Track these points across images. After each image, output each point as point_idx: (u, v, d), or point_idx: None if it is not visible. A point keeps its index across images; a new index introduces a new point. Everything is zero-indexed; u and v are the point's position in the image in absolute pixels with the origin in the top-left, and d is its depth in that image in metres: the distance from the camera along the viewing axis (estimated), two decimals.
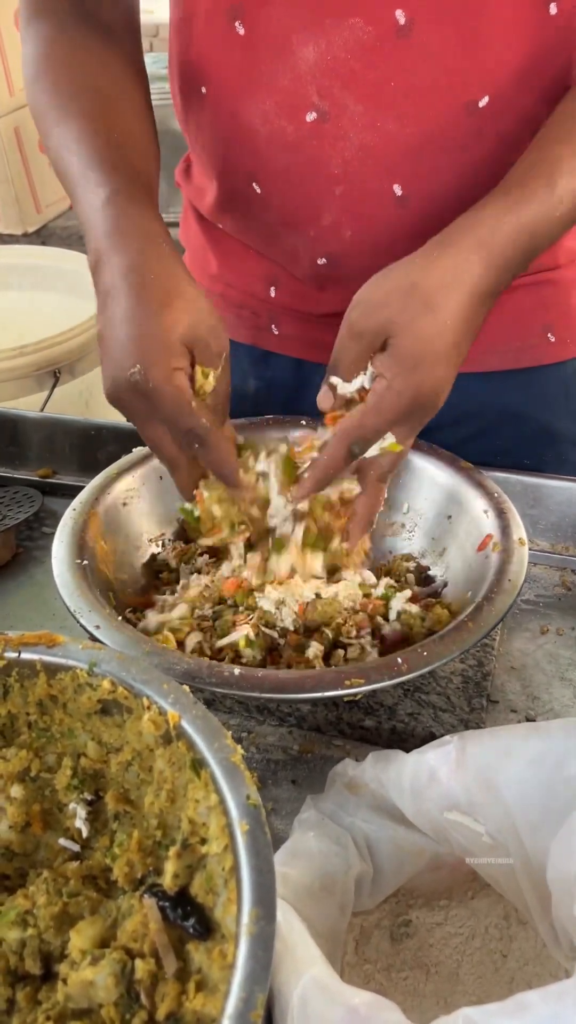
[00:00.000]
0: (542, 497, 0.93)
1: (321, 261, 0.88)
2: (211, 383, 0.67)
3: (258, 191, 0.86)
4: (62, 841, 0.51)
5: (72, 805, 0.52)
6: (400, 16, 0.72)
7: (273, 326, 0.99)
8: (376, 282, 0.68)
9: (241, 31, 0.76)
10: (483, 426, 0.98)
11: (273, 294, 0.96)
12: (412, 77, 0.74)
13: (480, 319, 0.68)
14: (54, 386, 1.37)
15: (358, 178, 0.80)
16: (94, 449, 1.05)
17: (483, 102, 0.76)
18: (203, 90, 0.83)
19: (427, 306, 0.64)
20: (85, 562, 0.72)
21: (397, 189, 0.80)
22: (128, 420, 0.68)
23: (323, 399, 0.71)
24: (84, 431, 1.05)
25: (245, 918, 0.38)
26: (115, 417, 1.60)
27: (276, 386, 1.03)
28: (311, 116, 0.78)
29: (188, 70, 0.84)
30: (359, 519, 0.75)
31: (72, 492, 0.93)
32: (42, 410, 1.31)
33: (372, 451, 0.70)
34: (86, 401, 1.47)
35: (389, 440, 0.71)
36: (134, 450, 0.86)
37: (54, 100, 0.76)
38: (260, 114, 0.80)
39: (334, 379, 0.70)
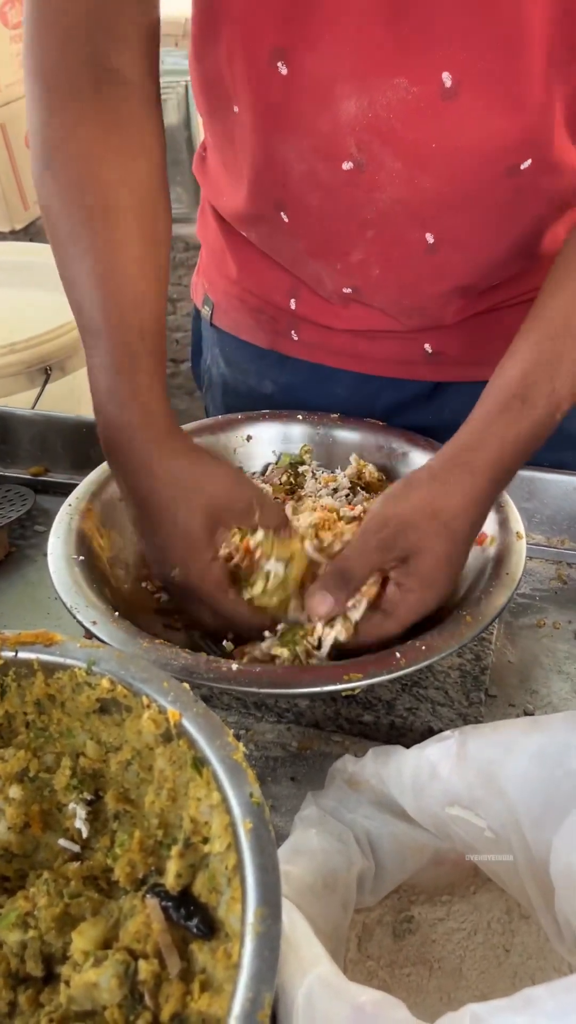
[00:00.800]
0: (537, 491, 0.93)
1: (347, 290, 0.88)
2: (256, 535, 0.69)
3: (285, 220, 0.84)
4: (62, 842, 0.51)
5: (71, 805, 0.51)
6: (447, 79, 0.70)
7: (293, 332, 0.98)
8: (401, 499, 0.69)
9: (284, 72, 0.73)
10: None
11: (294, 306, 0.95)
12: (454, 140, 0.73)
13: (477, 529, 0.71)
14: (45, 383, 1.36)
15: (390, 225, 0.80)
16: (86, 446, 1.04)
17: (525, 165, 0.74)
18: (235, 109, 0.80)
19: (448, 531, 0.67)
20: (81, 558, 0.72)
21: (429, 238, 0.80)
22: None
23: (320, 606, 0.68)
24: (76, 428, 1.05)
25: (251, 917, 0.38)
26: None
27: (293, 388, 1.02)
28: (347, 165, 0.76)
29: (218, 88, 0.80)
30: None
31: (65, 490, 0.92)
32: (33, 407, 1.31)
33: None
34: (78, 398, 1.46)
35: None
36: None
37: (65, 211, 0.69)
38: (296, 152, 0.78)
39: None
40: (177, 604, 0.77)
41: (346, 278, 0.87)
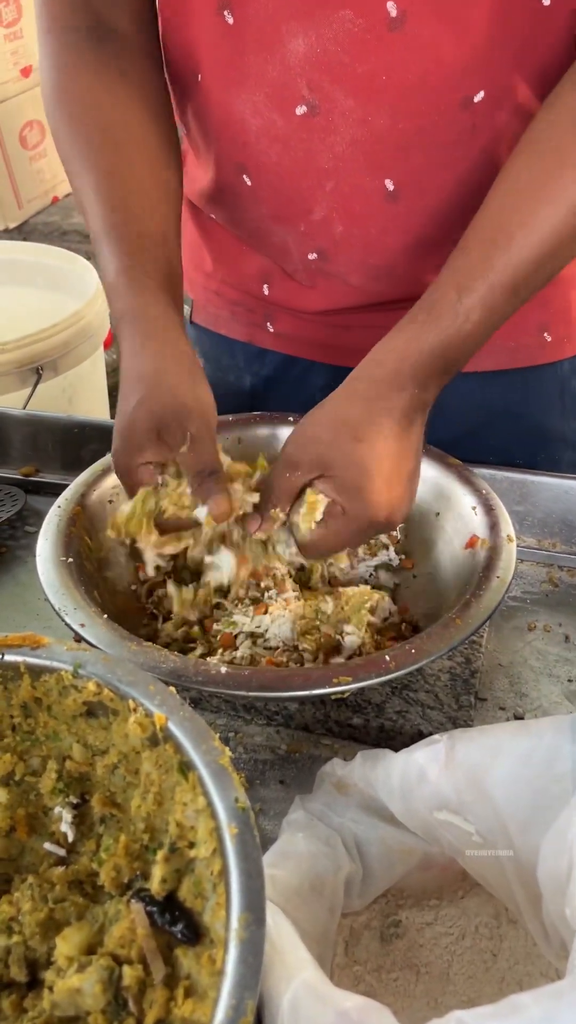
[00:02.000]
0: (529, 493, 0.92)
1: (312, 256, 0.87)
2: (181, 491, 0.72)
3: (248, 183, 0.85)
4: (47, 846, 0.51)
5: (57, 809, 0.51)
6: (392, 8, 0.70)
7: (268, 323, 0.99)
8: (309, 419, 0.72)
9: (230, 20, 0.74)
10: (477, 425, 0.98)
11: (267, 292, 0.96)
12: (404, 71, 0.73)
13: (416, 432, 0.72)
14: (36, 383, 1.35)
15: (349, 173, 0.79)
16: (78, 447, 1.03)
17: (478, 97, 0.74)
18: (199, 77, 0.81)
19: (355, 439, 0.68)
20: (70, 560, 0.72)
21: (388, 184, 0.79)
22: None
23: (251, 523, 0.74)
24: (67, 429, 1.04)
25: (235, 923, 0.38)
26: (99, 414, 1.58)
27: (271, 383, 1.03)
28: (301, 109, 0.76)
29: (180, 57, 0.82)
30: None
31: (56, 490, 0.92)
32: (24, 408, 1.30)
33: None
34: (69, 398, 1.46)
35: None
36: None
37: (73, 144, 0.79)
38: (250, 106, 0.78)
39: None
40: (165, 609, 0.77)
41: (310, 240, 0.86)
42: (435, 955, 0.57)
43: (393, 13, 0.70)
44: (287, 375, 1.01)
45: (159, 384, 0.70)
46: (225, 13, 0.74)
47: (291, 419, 0.92)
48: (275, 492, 0.72)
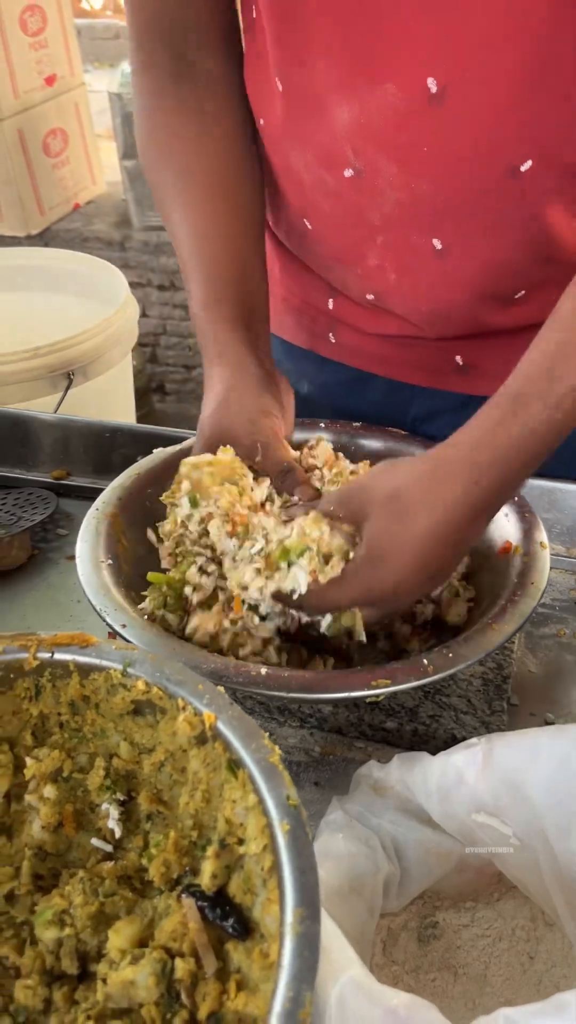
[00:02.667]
0: (557, 501, 0.93)
1: (369, 296, 0.89)
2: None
3: (309, 227, 0.87)
4: (94, 841, 0.51)
5: (104, 805, 0.52)
6: (432, 84, 0.70)
7: (331, 334, 1.00)
8: (377, 471, 0.69)
9: (280, 88, 0.77)
10: None
11: (331, 306, 0.97)
12: (446, 143, 0.73)
13: (473, 532, 0.66)
14: (68, 388, 1.37)
15: (397, 230, 0.80)
16: (108, 451, 1.05)
17: (525, 166, 0.73)
18: (261, 122, 0.84)
19: (402, 516, 0.64)
20: (109, 561, 0.72)
21: (436, 243, 0.80)
22: None
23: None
24: (98, 433, 1.06)
25: (290, 917, 0.38)
26: (127, 419, 1.60)
27: (328, 390, 1.03)
28: (348, 172, 0.78)
29: (248, 101, 0.86)
30: None
31: (87, 493, 0.93)
32: (56, 412, 1.31)
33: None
34: (99, 403, 1.47)
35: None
36: (155, 451, 0.86)
37: (163, 174, 0.84)
38: (302, 162, 0.81)
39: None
40: None
41: (367, 283, 0.88)
42: (472, 957, 0.58)
43: (433, 89, 0.70)
44: (344, 383, 1.02)
45: (225, 402, 0.74)
46: (276, 80, 0.77)
47: (322, 424, 0.93)
48: (320, 504, 0.69)
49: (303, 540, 0.67)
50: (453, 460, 0.64)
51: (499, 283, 0.83)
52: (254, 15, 0.80)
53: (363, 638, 0.68)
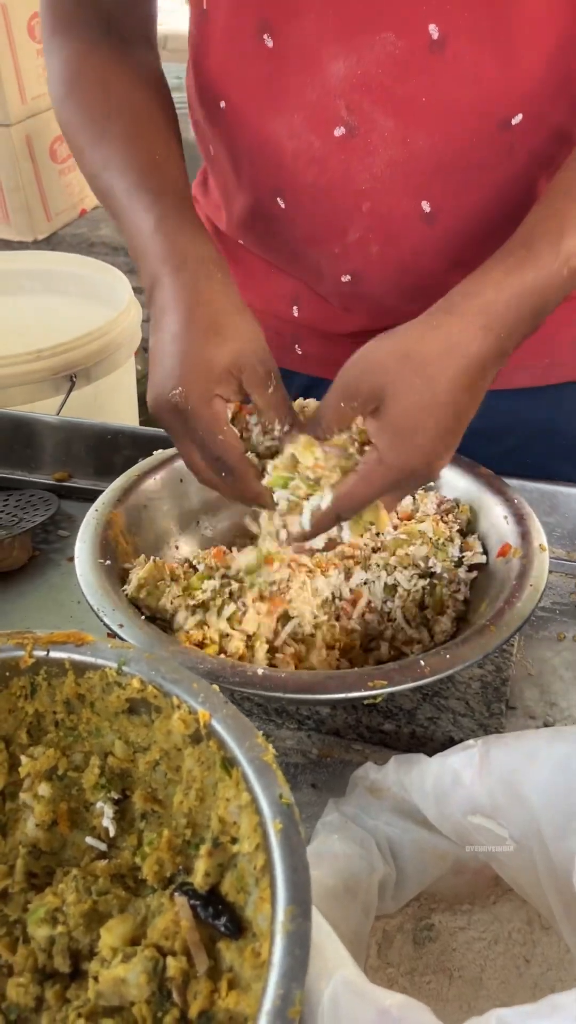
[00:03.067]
0: (558, 504, 0.93)
1: (345, 278, 0.88)
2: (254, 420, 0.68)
3: (283, 206, 0.85)
4: (89, 840, 0.51)
5: (99, 804, 0.52)
6: (433, 31, 0.70)
7: (296, 345, 0.99)
8: (373, 345, 0.65)
9: (270, 43, 0.75)
10: (516, 443, 0.98)
11: (296, 313, 0.96)
12: (444, 93, 0.73)
13: (482, 387, 0.65)
14: (70, 390, 1.37)
15: (385, 194, 0.80)
16: (110, 453, 1.05)
17: (516, 119, 0.74)
18: (221, 104, 0.82)
19: (423, 375, 0.62)
20: (108, 562, 0.73)
21: (425, 206, 0.80)
22: (168, 435, 0.69)
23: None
24: (100, 435, 1.06)
25: (280, 915, 0.38)
26: (130, 422, 1.60)
27: None
28: (339, 131, 0.77)
29: (206, 84, 0.84)
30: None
31: (88, 495, 0.93)
32: (58, 414, 1.32)
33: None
34: (101, 405, 1.47)
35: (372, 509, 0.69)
36: (155, 453, 0.86)
37: (88, 119, 0.77)
38: (287, 128, 0.79)
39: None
40: None
41: (345, 262, 0.86)
42: (468, 960, 0.57)
43: (435, 36, 0.71)
44: (313, 396, 1.01)
45: (241, 324, 0.67)
46: (265, 37, 0.75)
47: None
48: (324, 422, 0.66)
49: (289, 470, 0.66)
50: (465, 309, 0.64)
51: (482, 250, 0.82)
52: None
53: (388, 527, 0.68)
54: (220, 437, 0.66)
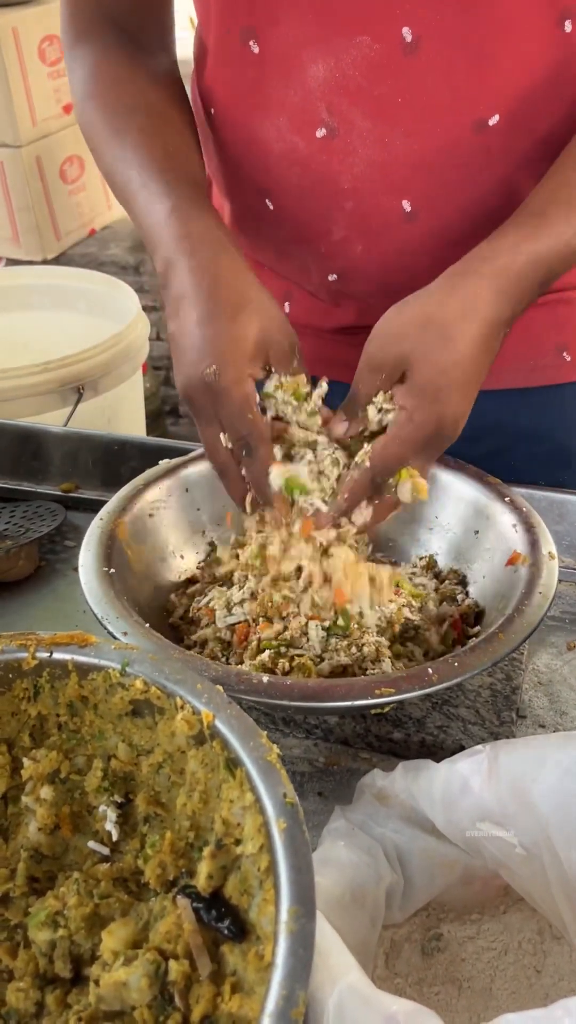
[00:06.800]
0: (568, 514, 0.92)
1: (332, 277, 0.89)
2: (298, 387, 0.70)
3: (270, 207, 0.87)
4: (91, 844, 0.51)
5: (102, 808, 0.51)
6: (407, 34, 0.72)
7: None
8: (393, 315, 0.68)
9: (255, 50, 0.78)
10: (499, 445, 0.97)
11: (287, 310, 0.97)
12: (419, 94, 0.74)
13: (495, 348, 0.69)
14: (77, 402, 1.37)
15: (367, 193, 0.81)
16: (117, 464, 1.05)
17: (493, 120, 0.75)
18: (212, 111, 0.85)
19: (443, 337, 0.65)
20: (112, 571, 0.72)
21: (406, 205, 0.81)
22: (194, 417, 0.70)
23: (337, 426, 0.72)
24: (107, 446, 1.06)
25: (284, 916, 0.38)
26: (137, 432, 1.60)
27: None
28: (320, 132, 0.78)
29: (200, 94, 0.87)
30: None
31: (95, 506, 0.93)
32: (65, 425, 1.32)
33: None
34: (108, 418, 1.47)
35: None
36: (160, 462, 0.85)
37: (106, 117, 0.80)
38: (273, 130, 0.81)
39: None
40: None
41: (330, 261, 0.87)
42: (477, 970, 0.56)
43: (408, 38, 0.72)
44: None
45: (263, 301, 0.68)
46: (251, 43, 0.77)
47: None
48: (360, 397, 0.69)
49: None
50: (481, 272, 0.67)
51: (465, 248, 0.83)
52: None
53: (425, 496, 0.70)
54: (249, 416, 0.66)
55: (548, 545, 0.75)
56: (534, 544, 0.75)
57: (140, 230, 0.75)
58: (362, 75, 0.75)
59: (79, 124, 0.84)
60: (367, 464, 0.68)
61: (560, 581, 0.88)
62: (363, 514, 0.72)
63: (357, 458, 0.69)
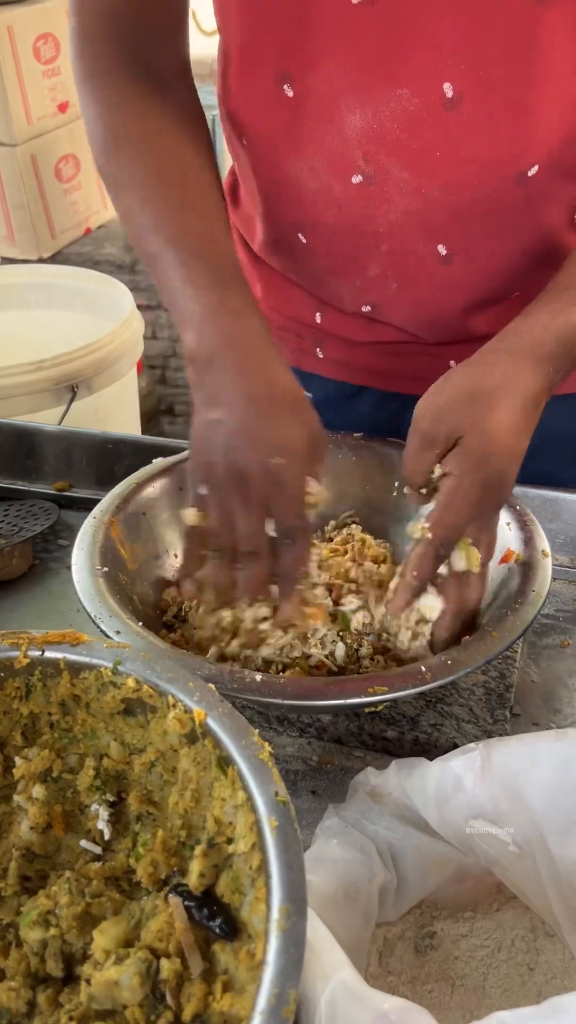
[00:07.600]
0: (561, 511, 0.92)
1: (366, 308, 0.89)
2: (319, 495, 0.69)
3: (303, 241, 0.86)
4: (84, 843, 0.51)
5: (94, 806, 0.51)
6: (448, 89, 0.71)
7: (318, 349, 0.99)
8: (438, 390, 0.69)
9: (290, 94, 0.76)
10: (529, 450, 0.97)
11: (319, 320, 0.96)
12: (459, 148, 0.74)
13: (537, 415, 0.70)
14: (71, 401, 1.37)
15: (403, 238, 0.80)
16: (111, 462, 1.04)
17: (532, 171, 0.75)
18: (243, 141, 0.83)
19: (489, 407, 0.66)
20: (105, 569, 0.72)
21: (441, 249, 0.80)
22: (233, 497, 0.66)
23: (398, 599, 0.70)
24: (101, 445, 1.05)
25: (275, 914, 0.37)
26: (131, 431, 1.59)
27: (316, 407, 1.02)
28: (357, 178, 0.78)
29: (229, 114, 0.84)
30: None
31: (88, 505, 0.92)
32: (59, 424, 1.32)
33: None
34: (103, 417, 1.47)
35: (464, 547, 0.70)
36: (154, 461, 0.85)
37: (136, 180, 0.76)
38: (307, 169, 0.80)
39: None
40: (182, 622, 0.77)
41: (364, 294, 0.87)
42: (471, 968, 0.56)
43: (449, 94, 0.71)
44: (333, 399, 1.01)
45: (308, 403, 0.68)
46: (285, 87, 0.76)
47: (354, 436, 0.91)
48: (418, 475, 0.69)
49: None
50: (519, 349, 0.69)
51: (498, 287, 0.83)
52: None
53: (477, 567, 0.69)
54: (302, 508, 0.66)
55: (542, 543, 0.75)
56: (528, 542, 0.75)
57: (170, 308, 0.72)
58: (400, 128, 0.74)
59: (101, 174, 0.79)
60: (428, 536, 0.67)
61: (554, 579, 0.89)
62: (435, 602, 0.71)
63: (416, 534, 0.69)
